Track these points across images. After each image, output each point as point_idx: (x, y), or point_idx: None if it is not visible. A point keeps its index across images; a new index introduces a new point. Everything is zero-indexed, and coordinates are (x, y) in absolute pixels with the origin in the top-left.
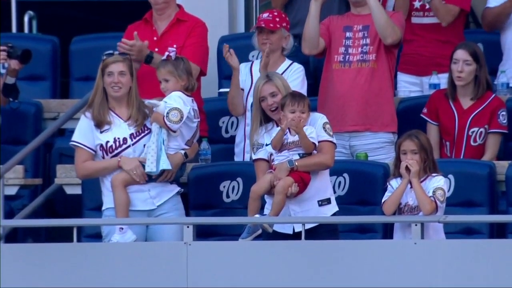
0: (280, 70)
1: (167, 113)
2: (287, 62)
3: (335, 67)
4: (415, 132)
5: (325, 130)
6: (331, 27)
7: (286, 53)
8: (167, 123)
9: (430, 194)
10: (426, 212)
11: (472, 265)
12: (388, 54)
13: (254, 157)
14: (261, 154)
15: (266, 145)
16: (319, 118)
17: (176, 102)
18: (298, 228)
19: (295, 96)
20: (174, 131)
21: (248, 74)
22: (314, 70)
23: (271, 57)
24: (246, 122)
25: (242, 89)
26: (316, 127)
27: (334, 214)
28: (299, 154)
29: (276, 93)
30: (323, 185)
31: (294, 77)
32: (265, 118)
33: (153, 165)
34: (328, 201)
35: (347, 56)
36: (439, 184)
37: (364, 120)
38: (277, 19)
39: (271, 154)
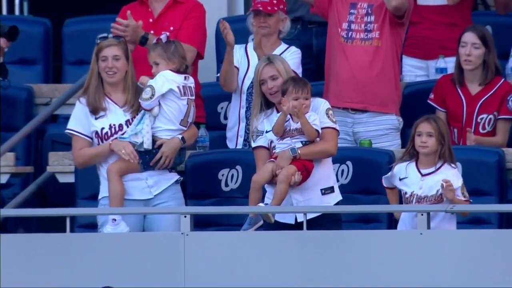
0: (276, 53)
1: (143, 91)
2: (283, 45)
3: (340, 41)
4: (434, 116)
5: (328, 116)
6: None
7: (283, 36)
8: (139, 101)
9: (439, 188)
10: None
11: (481, 256)
12: (393, 32)
13: (253, 144)
14: (261, 141)
15: (266, 132)
16: (322, 104)
17: (154, 81)
18: (301, 218)
19: (297, 82)
20: (147, 110)
21: (243, 56)
22: (317, 54)
23: (268, 41)
24: (241, 105)
25: (236, 67)
26: (318, 113)
27: (337, 203)
28: (301, 141)
29: (276, 76)
30: (326, 173)
31: (289, 58)
32: (266, 103)
33: (127, 134)
34: (331, 189)
35: (350, 33)
36: (459, 181)
37: (362, 98)
38: (275, 2)
39: (272, 142)
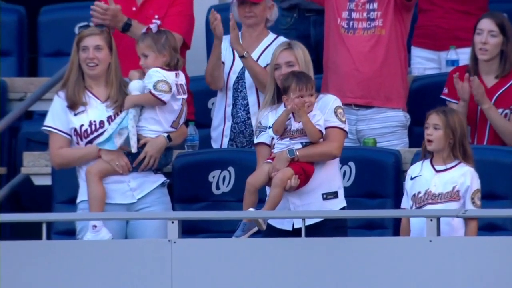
0: (263, 44)
1: (154, 86)
2: (271, 35)
3: (340, 31)
4: (446, 108)
5: (336, 115)
6: None
7: (270, 25)
8: (157, 94)
9: (455, 185)
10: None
11: (495, 265)
12: (397, 20)
13: (255, 140)
14: (263, 137)
15: (269, 127)
16: (331, 101)
17: (158, 75)
18: (298, 224)
19: (300, 78)
20: (165, 102)
21: (228, 48)
22: (316, 45)
23: (254, 31)
24: (227, 102)
25: (223, 62)
26: (326, 111)
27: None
28: (301, 143)
29: (293, 63)
30: (330, 177)
31: None
32: (278, 92)
33: (107, 134)
34: (334, 194)
35: (351, 22)
36: (476, 183)
37: (365, 93)
38: None
39: (273, 139)
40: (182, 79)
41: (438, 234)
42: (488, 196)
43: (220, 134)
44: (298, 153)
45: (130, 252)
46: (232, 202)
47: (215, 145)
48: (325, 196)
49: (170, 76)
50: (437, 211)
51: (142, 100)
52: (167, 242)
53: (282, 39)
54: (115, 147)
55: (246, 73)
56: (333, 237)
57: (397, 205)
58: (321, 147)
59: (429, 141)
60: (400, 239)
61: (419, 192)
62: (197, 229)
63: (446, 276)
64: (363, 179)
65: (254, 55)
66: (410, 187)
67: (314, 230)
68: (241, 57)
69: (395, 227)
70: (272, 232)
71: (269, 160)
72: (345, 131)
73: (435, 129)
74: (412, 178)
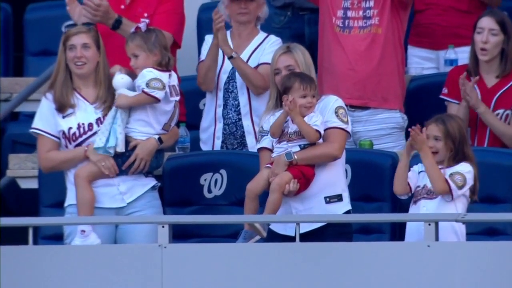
0: (254, 43)
1: (146, 84)
2: (262, 34)
3: (335, 30)
4: (445, 116)
5: (337, 116)
6: None
7: (261, 23)
8: (149, 92)
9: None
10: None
11: (495, 270)
12: (394, 17)
13: (258, 145)
14: (265, 142)
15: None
16: (332, 101)
17: (151, 75)
18: (302, 229)
19: (304, 78)
20: (159, 100)
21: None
22: (310, 44)
23: (245, 29)
24: (217, 103)
25: None
26: (327, 111)
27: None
28: (299, 145)
29: (293, 67)
30: (333, 179)
31: (269, 49)
32: (280, 98)
33: (101, 141)
34: (338, 198)
35: (346, 21)
36: (461, 169)
37: (361, 93)
38: None
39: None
40: (174, 80)
41: (437, 239)
42: (488, 199)
43: (211, 136)
44: (296, 156)
45: (119, 257)
46: (224, 206)
47: (205, 147)
48: (327, 199)
49: (163, 76)
50: (435, 215)
51: (136, 101)
52: (158, 247)
53: (273, 37)
54: (111, 153)
55: (237, 73)
56: (328, 242)
57: (394, 209)
58: (320, 148)
59: (433, 153)
60: (397, 244)
61: (418, 186)
62: (189, 233)
63: (444, 282)
64: (360, 182)
65: (245, 54)
66: (416, 177)
67: (317, 236)
68: (230, 58)
69: (392, 231)
70: (275, 238)
71: (268, 165)
72: (346, 131)
73: (436, 140)
74: (419, 173)
